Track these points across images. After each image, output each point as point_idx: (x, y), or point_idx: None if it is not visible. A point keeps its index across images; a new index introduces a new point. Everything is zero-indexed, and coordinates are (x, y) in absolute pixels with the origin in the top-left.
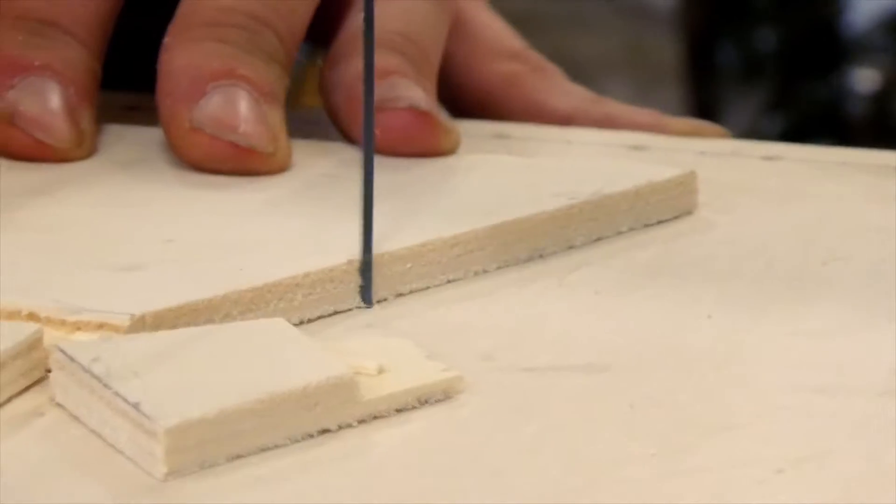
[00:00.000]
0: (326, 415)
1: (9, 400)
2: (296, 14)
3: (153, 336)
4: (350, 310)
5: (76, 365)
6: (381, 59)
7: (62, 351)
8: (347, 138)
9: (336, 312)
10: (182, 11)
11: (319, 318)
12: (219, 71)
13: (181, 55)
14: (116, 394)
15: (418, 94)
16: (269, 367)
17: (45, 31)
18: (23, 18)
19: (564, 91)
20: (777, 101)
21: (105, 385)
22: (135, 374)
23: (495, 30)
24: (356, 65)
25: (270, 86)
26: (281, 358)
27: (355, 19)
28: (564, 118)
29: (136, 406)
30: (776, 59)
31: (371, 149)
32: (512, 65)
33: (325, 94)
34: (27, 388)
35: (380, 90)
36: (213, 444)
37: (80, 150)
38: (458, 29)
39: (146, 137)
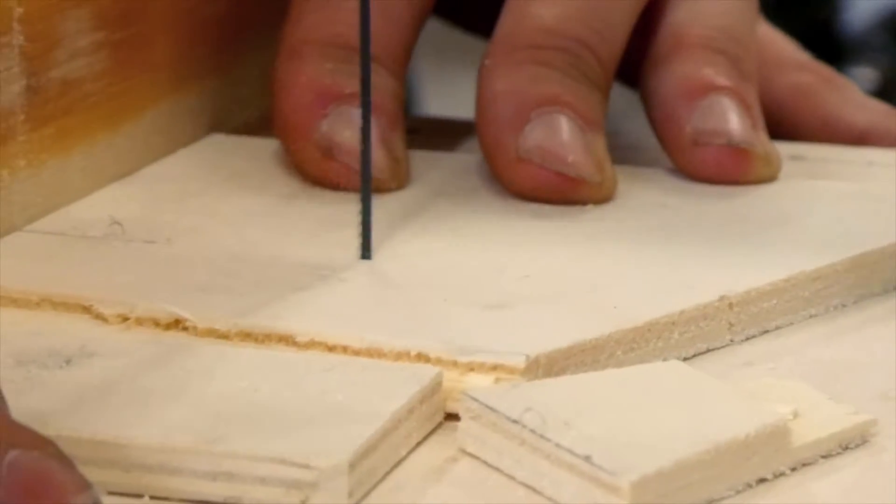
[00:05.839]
0: (763, 463)
1: (416, 446)
2: (616, 37)
3: (564, 382)
4: (719, 347)
5: (498, 415)
6: (701, 61)
7: (476, 399)
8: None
9: (708, 350)
10: (502, 32)
11: (695, 355)
12: (542, 97)
13: (503, 80)
14: (559, 446)
15: (736, 123)
16: (697, 414)
17: (353, 58)
18: (331, 45)
19: (860, 104)
20: None
21: (542, 436)
22: (566, 425)
23: (778, 42)
24: (676, 74)
25: (593, 112)
26: (704, 404)
27: (673, 16)
28: (860, 133)
29: (587, 459)
30: None
31: (368, 149)
32: (802, 76)
33: (644, 102)
34: (430, 434)
35: (697, 114)
36: (668, 496)
37: (397, 179)
38: None
39: (457, 164)
